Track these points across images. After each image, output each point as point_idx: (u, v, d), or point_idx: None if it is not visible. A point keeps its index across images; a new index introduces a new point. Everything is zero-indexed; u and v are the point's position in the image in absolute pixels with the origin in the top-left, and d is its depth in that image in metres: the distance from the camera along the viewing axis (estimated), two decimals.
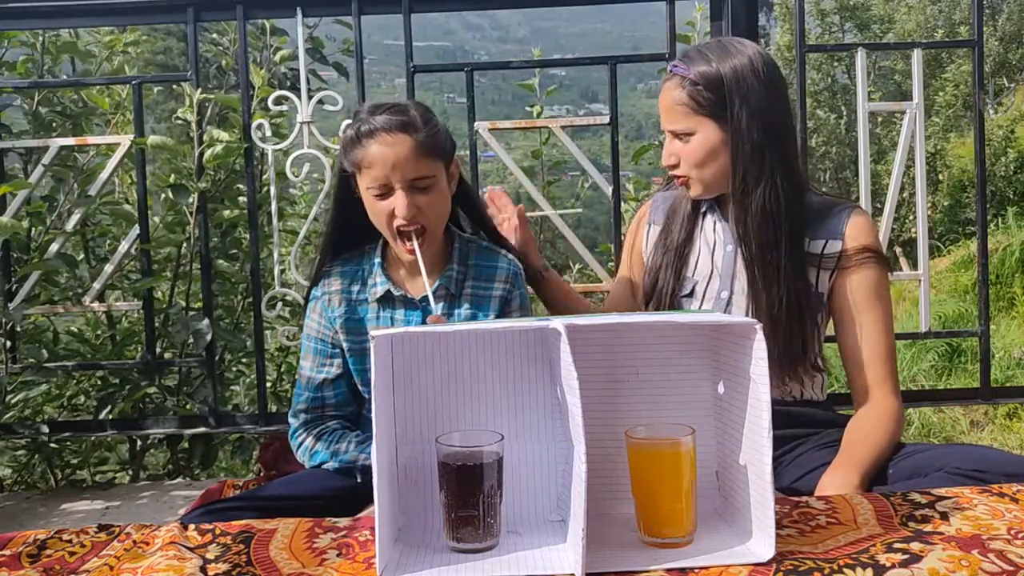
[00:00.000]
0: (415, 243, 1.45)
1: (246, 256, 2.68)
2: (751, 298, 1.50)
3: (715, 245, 1.57)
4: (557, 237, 3.28)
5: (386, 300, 1.55)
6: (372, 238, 1.57)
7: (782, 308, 1.46)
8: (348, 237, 1.60)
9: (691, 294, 1.58)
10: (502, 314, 1.56)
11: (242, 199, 2.61)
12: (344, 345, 1.56)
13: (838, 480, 1.32)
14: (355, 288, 1.57)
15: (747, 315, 1.51)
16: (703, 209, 1.60)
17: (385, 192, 1.44)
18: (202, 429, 2.32)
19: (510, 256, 1.61)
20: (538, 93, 3.03)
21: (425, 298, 1.52)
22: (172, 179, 2.37)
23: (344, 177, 1.53)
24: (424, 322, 1.53)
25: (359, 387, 1.58)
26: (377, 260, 1.56)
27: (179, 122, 2.43)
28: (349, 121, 1.57)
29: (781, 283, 1.46)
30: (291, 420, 1.59)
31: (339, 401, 1.58)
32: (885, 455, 1.39)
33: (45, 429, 2.29)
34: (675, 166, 1.53)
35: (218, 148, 2.25)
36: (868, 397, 1.47)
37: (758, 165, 1.46)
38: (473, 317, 1.54)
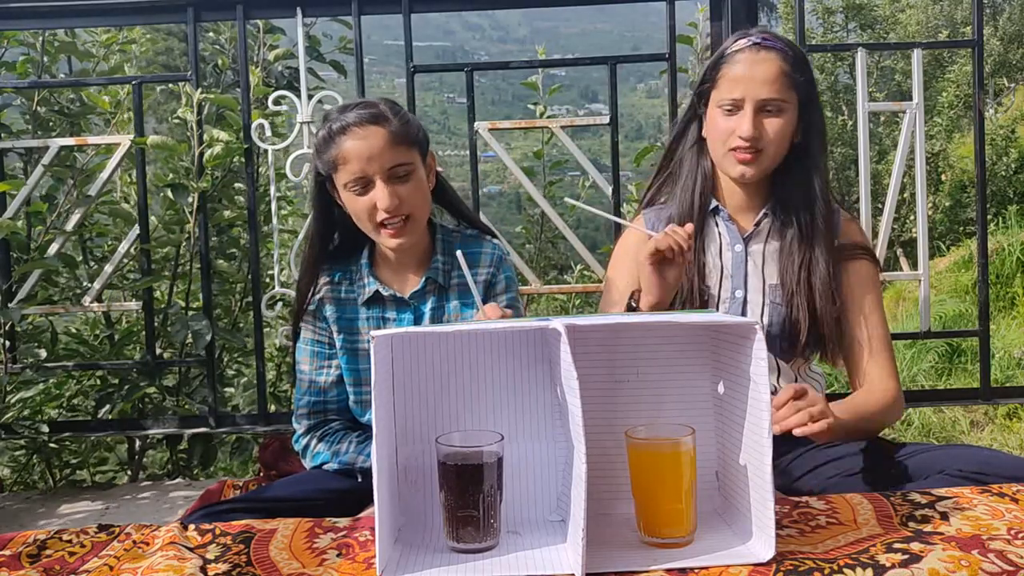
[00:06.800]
0: (399, 228, 1.45)
1: (244, 256, 2.68)
2: (788, 279, 1.52)
3: (722, 247, 1.58)
4: (558, 237, 3.28)
5: (376, 300, 1.55)
6: (358, 246, 1.57)
7: (817, 288, 1.50)
8: (332, 247, 1.59)
9: (708, 299, 1.58)
10: (487, 297, 1.54)
11: (240, 199, 2.61)
12: (336, 343, 1.56)
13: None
14: (344, 289, 1.57)
15: (763, 310, 1.53)
16: (706, 213, 1.60)
17: (364, 186, 1.44)
18: (202, 429, 2.33)
19: (495, 241, 1.60)
20: (541, 91, 3.02)
21: (415, 295, 1.53)
22: (171, 179, 2.37)
23: (321, 184, 1.52)
24: (416, 321, 1.53)
25: (348, 386, 1.57)
26: (364, 261, 1.56)
27: (177, 122, 2.43)
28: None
29: (818, 264, 1.51)
30: (295, 424, 1.59)
31: (341, 405, 1.58)
32: (876, 420, 1.45)
33: (45, 429, 2.29)
34: (751, 140, 1.48)
35: (217, 148, 2.25)
36: (870, 380, 1.51)
37: (817, 154, 1.54)
38: (461, 309, 1.54)
